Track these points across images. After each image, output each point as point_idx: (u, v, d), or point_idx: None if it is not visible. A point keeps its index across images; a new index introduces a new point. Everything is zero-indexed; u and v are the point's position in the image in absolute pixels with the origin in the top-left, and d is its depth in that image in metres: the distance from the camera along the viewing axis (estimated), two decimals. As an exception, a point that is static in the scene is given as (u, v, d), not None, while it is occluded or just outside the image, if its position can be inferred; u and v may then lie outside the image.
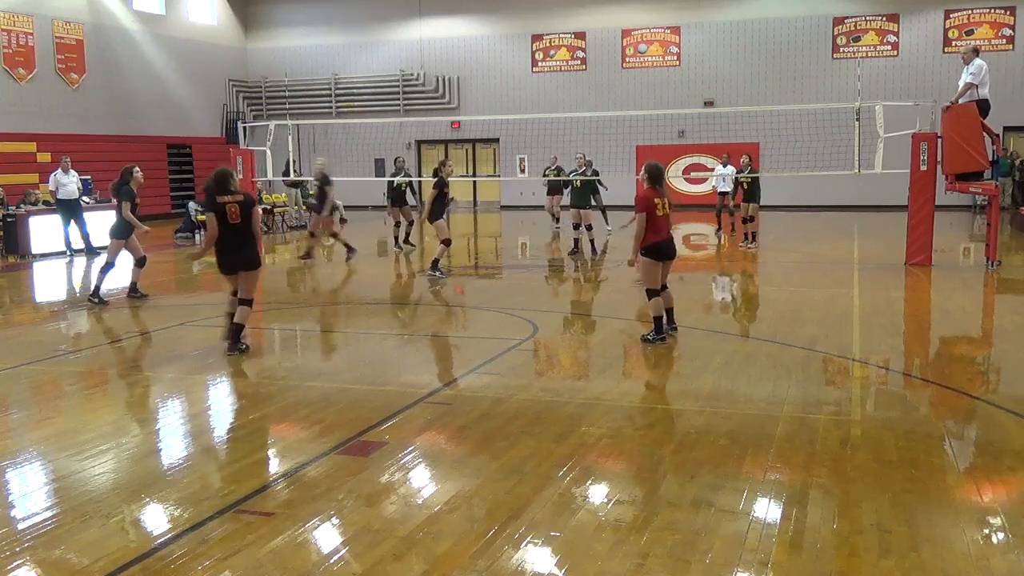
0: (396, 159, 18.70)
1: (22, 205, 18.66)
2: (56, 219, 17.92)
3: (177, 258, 17.36)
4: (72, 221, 17.83)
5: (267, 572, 4.00)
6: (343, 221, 25.44)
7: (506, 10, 29.52)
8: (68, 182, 17.87)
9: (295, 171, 19.16)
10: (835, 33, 27.06)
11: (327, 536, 4.44)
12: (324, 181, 16.00)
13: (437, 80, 30.37)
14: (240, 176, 16.74)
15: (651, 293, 8.62)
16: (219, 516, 4.61)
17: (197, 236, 20.30)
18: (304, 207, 22.36)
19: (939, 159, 13.80)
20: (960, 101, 13.38)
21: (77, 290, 14.31)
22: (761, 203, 17.53)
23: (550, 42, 29.45)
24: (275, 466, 5.62)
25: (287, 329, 10.57)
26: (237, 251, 8.41)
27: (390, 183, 18.21)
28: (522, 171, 28.01)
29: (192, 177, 28.06)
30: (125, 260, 11.92)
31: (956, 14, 26.10)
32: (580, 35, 29.14)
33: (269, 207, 22.94)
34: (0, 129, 22.73)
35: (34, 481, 5.33)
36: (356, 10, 31.01)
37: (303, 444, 5.84)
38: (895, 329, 9.88)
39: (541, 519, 4.53)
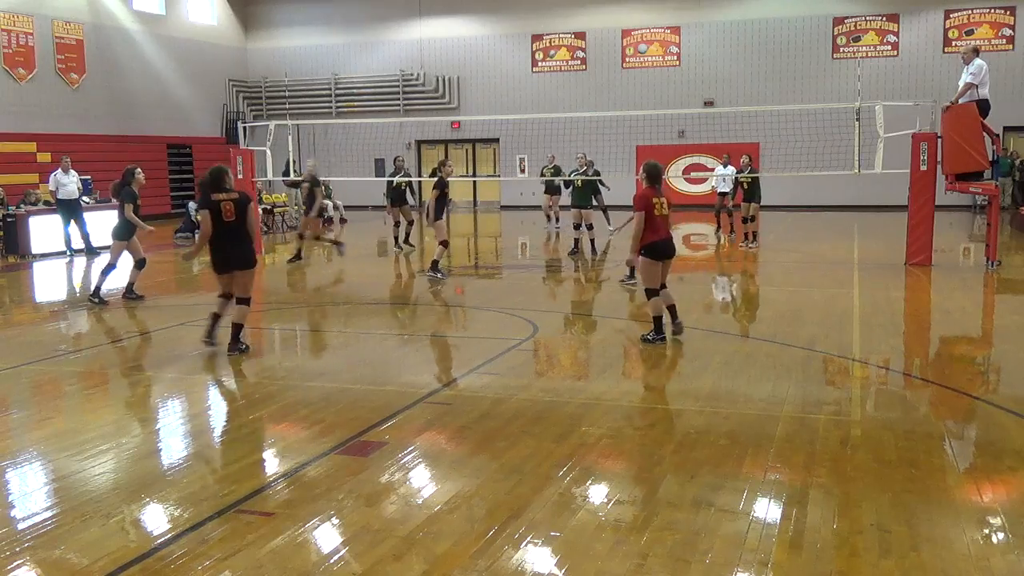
0: (396, 159, 18.69)
1: (22, 205, 18.67)
2: (56, 219, 17.93)
3: (177, 258, 17.36)
4: (72, 221, 17.83)
5: (267, 572, 4.00)
6: (343, 221, 25.55)
7: (506, 10, 29.52)
8: (68, 182, 17.87)
9: (295, 171, 19.16)
10: (835, 33, 27.06)
11: (327, 536, 4.44)
12: (314, 183, 16.10)
13: (437, 80, 30.37)
14: (240, 176, 16.78)
15: (650, 293, 8.62)
16: (219, 516, 4.61)
17: (197, 236, 20.24)
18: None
19: (939, 159, 13.80)
20: (960, 101, 13.39)
21: (77, 290, 14.32)
22: (761, 203, 17.54)
23: (550, 42, 29.45)
24: (275, 466, 5.62)
25: (287, 329, 10.57)
26: (232, 249, 8.37)
27: (390, 183, 18.21)
28: (522, 171, 28.00)
29: (192, 177, 28.03)
30: (125, 261, 11.91)
31: (956, 14, 26.11)
32: (580, 35, 29.14)
33: (269, 207, 22.96)
34: (0, 129, 22.74)
35: (34, 481, 5.33)
36: (356, 10, 31.02)
37: (303, 444, 5.84)
38: (895, 329, 9.88)
39: (541, 519, 4.52)
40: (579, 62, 29.23)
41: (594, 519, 4.55)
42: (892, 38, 26.70)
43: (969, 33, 25.67)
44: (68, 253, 17.83)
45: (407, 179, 18.15)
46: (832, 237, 19.38)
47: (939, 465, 5.31)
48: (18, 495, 5.07)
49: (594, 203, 17.11)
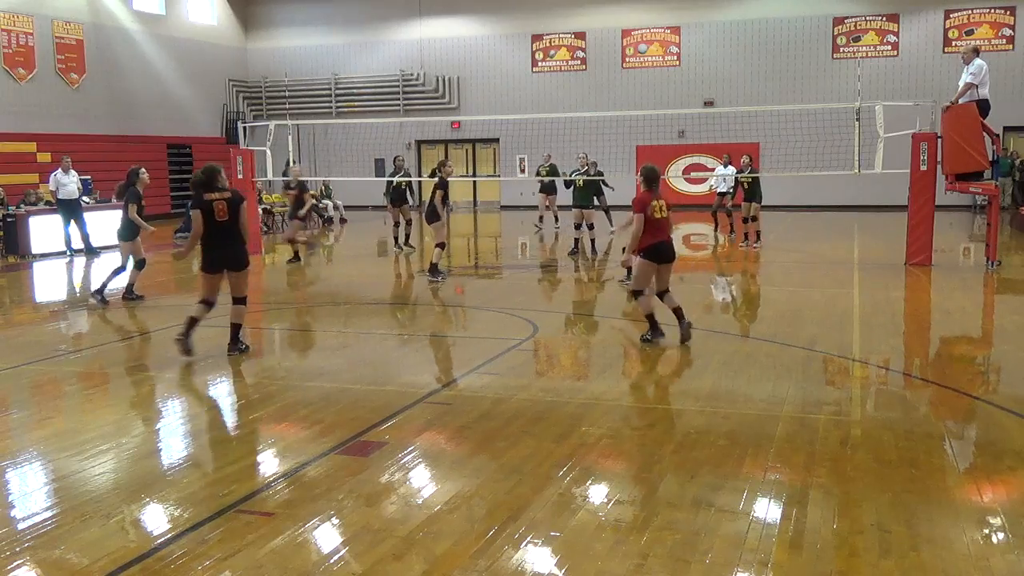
0: (396, 159, 18.68)
1: (22, 205, 18.67)
2: (56, 219, 17.93)
3: (176, 258, 17.33)
4: (72, 221, 17.84)
5: (267, 572, 4.00)
6: (343, 221, 25.55)
7: (506, 10, 29.52)
8: (68, 182, 17.87)
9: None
10: (835, 33, 27.05)
11: (327, 536, 4.44)
12: (302, 187, 16.20)
13: (437, 80, 30.37)
14: (240, 176, 16.79)
15: (637, 293, 8.66)
16: (219, 516, 4.61)
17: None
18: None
19: (939, 159, 13.80)
20: (960, 101, 13.39)
21: (77, 290, 14.32)
22: (762, 203, 17.54)
23: (550, 42, 29.45)
24: (275, 466, 5.61)
25: (287, 329, 10.57)
26: (224, 249, 8.26)
27: (390, 183, 18.21)
28: (522, 171, 27.97)
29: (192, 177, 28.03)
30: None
31: (956, 14, 26.10)
32: (580, 35, 29.14)
33: (269, 207, 22.95)
34: (0, 129, 22.74)
35: (34, 481, 5.33)
36: (356, 10, 31.01)
37: (303, 444, 5.84)
38: (895, 329, 9.88)
39: (541, 519, 4.53)
40: (579, 62, 29.23)
41: (594, 519, 4.55)
42: (892, 38, 26.70)
43: (969, 33, 25.67)
44: (68, 253, 17.83)
45: (407, 179, 18.15)
46: (832, 237, 19.38)
47: (939, 465, 5.31)
48: (18, 495, 5.08)
49: (596, 203, 17.09)
